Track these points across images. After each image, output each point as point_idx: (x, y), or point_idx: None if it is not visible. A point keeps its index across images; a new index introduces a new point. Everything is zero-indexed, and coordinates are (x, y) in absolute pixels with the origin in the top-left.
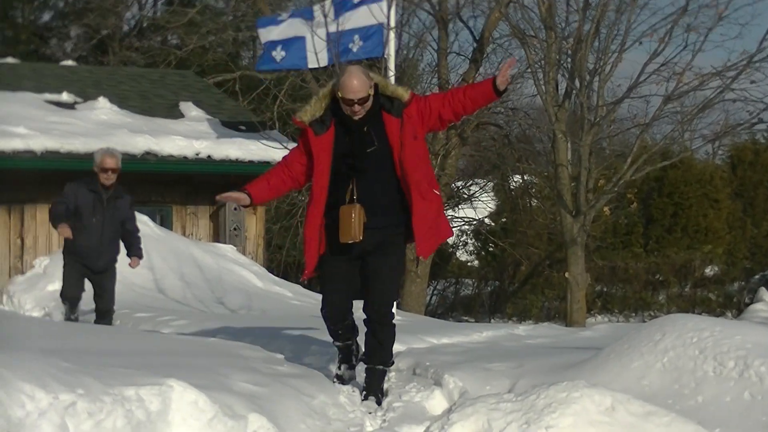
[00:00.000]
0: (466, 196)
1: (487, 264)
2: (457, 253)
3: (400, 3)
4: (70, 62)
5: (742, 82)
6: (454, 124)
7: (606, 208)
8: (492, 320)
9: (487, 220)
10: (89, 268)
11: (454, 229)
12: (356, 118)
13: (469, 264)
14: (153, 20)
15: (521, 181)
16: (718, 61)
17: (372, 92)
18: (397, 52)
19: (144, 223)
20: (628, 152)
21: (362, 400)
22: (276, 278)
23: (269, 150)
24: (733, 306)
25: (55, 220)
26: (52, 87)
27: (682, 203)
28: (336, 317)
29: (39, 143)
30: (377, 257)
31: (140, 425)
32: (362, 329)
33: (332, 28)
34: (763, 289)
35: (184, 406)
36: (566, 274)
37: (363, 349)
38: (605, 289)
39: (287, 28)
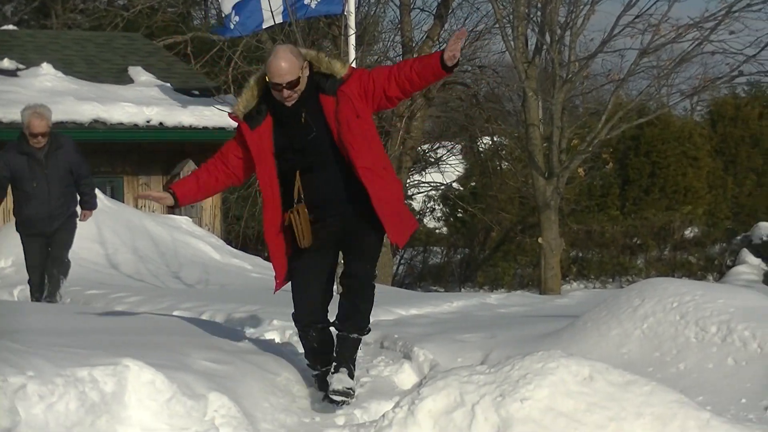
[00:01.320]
0: (432, 159)
1: (456, 231)
2: (425, 220)
3: None
4: (10, 26)
5: (721, 33)
6: None
7: (580, 169)
8: (462, 289)
9: (455, 185)
10: (44, 235)
11: (420, 195)
12: (288, 104)
13: (437, 231)
14: None
15: (491, 142)
16: (696, 12)
17: (305, 73)
18: (357, 8)
19: None
20: (603, 110)
21: (332, 372)
22: (234, 250)
23: (224, 115)
24: (715, 269)
25: None
26: None
27: (659, 162)
28: (308, 315)
29: None
30: (356, 235)
31: (94, 407)
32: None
33: None
34: (745, 250)
35: (140, 387)
36: (539, 240)
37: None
38: (581, 255)
39: None
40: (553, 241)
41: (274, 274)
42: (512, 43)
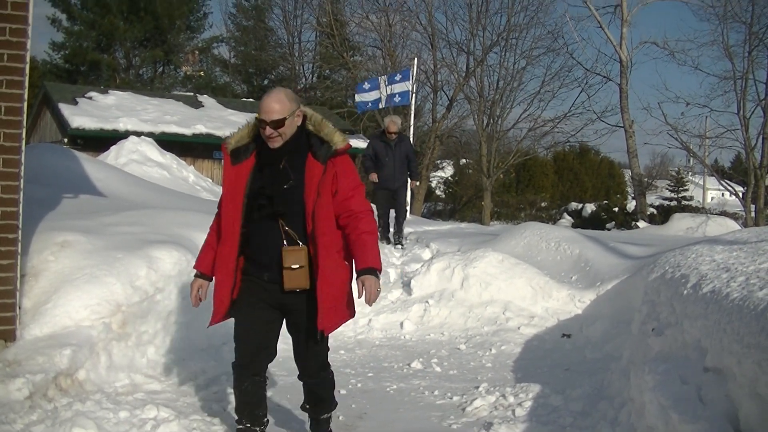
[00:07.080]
0: (441, 168)
1: (448, 196)
2: (437, 192)
3: (416, 82)
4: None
5: (562, 124)
6: (438, 137)
7: (501, 175)
8: (449, 221)
9: (449, 177)
10: (389, 189)
11: (435, 180)
12: (271, 145)
13: (441, 195)
14: (313, 85)
15: (465, 161)
16: (554, 113)
17: (295, 121)
18: (414, 101)
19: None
20: (512, 152)
21: None
22: None
23: (357, 141)
24: (552, 219)
25: (366, 171)
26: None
27: (534, 175)
28: (248, 364)
29: None
30: (304, 318)
31: None
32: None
33: (387, 91)
34: (565, 213)
35: None
36: (483, 203)
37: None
38: (498, 210)
39: (369, 90)
40: (488, 203)
41: (214, 313)
42: (476, 121)
